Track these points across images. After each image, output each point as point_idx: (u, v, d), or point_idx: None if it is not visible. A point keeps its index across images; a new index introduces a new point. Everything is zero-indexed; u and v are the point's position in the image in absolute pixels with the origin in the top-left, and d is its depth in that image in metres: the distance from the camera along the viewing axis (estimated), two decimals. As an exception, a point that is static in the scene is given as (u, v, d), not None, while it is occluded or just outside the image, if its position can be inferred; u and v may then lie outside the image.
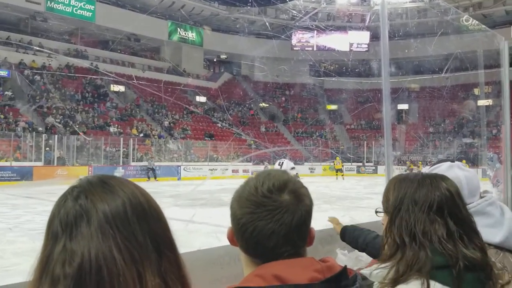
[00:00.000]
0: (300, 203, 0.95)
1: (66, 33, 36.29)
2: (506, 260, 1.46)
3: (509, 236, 1.49)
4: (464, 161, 30.03)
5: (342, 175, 30.41)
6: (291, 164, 20.60)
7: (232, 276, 1.75)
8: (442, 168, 1.68)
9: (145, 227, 0.74)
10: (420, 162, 31.80)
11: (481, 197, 1.60)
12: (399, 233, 1.17)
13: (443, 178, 1.25)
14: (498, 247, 1.48)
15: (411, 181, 1.24)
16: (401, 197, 1.22)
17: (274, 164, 32.39)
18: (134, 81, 31.37)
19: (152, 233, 0.75)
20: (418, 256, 1.11)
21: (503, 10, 38.43)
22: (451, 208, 1.16)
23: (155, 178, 25.96)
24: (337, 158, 31.69)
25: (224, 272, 1.81)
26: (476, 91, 38.60)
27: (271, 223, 0.91)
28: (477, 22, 33.62)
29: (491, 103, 34.34)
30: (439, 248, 1.10)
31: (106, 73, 30.95)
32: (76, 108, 30.86)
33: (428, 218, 1.15)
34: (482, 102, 36.48)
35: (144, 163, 27.65)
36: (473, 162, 31.14)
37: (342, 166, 31.65)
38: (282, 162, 21.02)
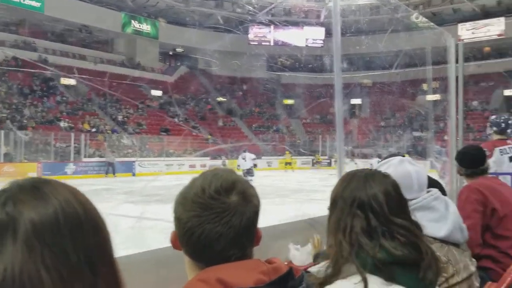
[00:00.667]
0: (248, 204, 0.92)
1: (13, 24, 34.68)
2: (451, 254, 1.51)
3: (453, 230, 1.54)
4: (406, 154, 31.25)
5: (292, 168, 31.81)
6: (253, 155, 20.51)
7: (180, 277, 1.71)
8: (392, 163, 1.71)
9: (79, 242, 0.65)
10: (317, 155, 33.83)
11: (427, 192, 1.64)
12: (334, 230, 1.19)
13: (373, 174, 1.26)
14: (443, 241, 1.52)
15: (344, 179, 1.27)
16: (336, 195, 1.24)
17: (231, 158, 32.52)
18: (76, 75, 30.40)
19: (87, 248, 0.65)
20: (344, 252, 1.12)
21: (450, 9, 39.93)
22: (373, 205, 1.16)
23: (114, 174, 25.33)
24: (287, 152, 33.15)
25: (172, 272, 1.76)
26: (425, 86, 40.03)
27: (219, 226, 0.88)
28: (426, 19, 34.74)
29: (438, 98, 35.72)
30: (357, 243, 1.11)
31: (46, 67, 29.80)
32: (24, 102, 29.60)
33: (349, 214, 1.16)
34: (430, 97, 37.87)
35: (99, 158, 26.94)
36: (422, 155, 32.28)
37: (292, 159, 33.18)
38: (245, 155, 20.94)
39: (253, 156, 19.67)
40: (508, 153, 4.80)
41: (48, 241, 0.62)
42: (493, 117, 5.44)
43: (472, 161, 2.86)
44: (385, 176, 1.27)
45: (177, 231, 0.95)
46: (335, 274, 1.11)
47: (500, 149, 4.81)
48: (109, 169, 25.52)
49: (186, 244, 0.93)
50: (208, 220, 0.89)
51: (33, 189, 0.66)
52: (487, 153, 4.79)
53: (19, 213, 0.63)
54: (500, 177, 3.90)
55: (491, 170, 4.70)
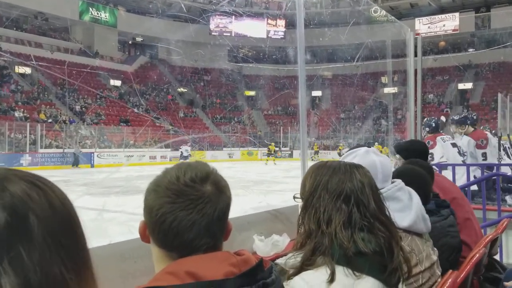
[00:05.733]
0: (221, 194, 0.92)
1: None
2: (414, 243, 1.54)
3: (416, 220, 1.57)
4: (376, 143, 31.81)
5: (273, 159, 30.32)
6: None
7: (146, 270, 1.68)
8: (358, 153, 1.72)
9: (81, 238, 0.61)
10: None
11: (392, 183, 1.67)
12: (309, 220, 1.19)
13: (357, 167, 1.27)
14: (407, 230, 1.56)
15: (327, 169, 1.25)
16: (316, 185, 1.23)
17: (193, 150, 32.33)
18: (33, 62, 29.31)
19: (84, 244, 0.61)
20: (321, 243, 1.12)
21: (408, 3, 40.88)
22: (359, 198, 1.18)
23: (77, 165, 24.69)
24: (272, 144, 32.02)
25: (137, 265, 1.74)
26: (384, 79, 41.02)
27: (193, 213, 0.87)
28: (385, 13, 35.50)
29: (396, 91, 36.67)
30: (333, 235, 1.12)
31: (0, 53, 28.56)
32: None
33: (334, 207, 1.17)
34: (388, 90, 38.84)
35: (56, 149, 26.17)
36: (381, 145, 33.10)
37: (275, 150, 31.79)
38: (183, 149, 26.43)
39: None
40: (448, 140, 5.32)
41: (62, 241, 0.57)
42: (425, 119, 5.91)
43: (421, 156, 2.88)
44: (365, 169, 1.28)
45: (147, 220, 0.92)
46: (310, 265, 1.12)
47: (441, 137, 5.34)
48: (75, 160, 24.88)
49: (157, 233, 0.90)
50: (181, 207, 0.87)
51: (30, 182, 0.58)
52: (430, 143, 5.26)
53: (27, 209, 0.55)
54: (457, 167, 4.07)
55: (443, 159, 5.14)
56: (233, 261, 0.87)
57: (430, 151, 5.40)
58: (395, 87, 36.94)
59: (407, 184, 1.72)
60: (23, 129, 26.24)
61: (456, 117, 6.09)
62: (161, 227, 0.88)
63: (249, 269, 0.87)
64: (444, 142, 5.37)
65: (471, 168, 4.84)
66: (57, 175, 18.95)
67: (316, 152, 33.46)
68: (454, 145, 5.40)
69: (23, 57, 31.95)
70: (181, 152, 26.24)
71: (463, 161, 5.34)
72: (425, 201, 1.93)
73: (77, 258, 0.58)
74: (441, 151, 5.26)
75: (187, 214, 0.87)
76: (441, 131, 5.83)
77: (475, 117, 6.53)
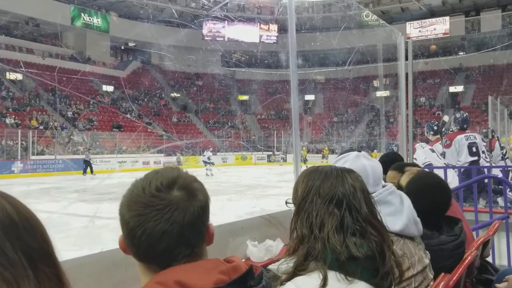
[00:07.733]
0: (192, 198, 0.90)
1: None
2: (406, 247, 1.54)
3: (408, 223, 1.57)
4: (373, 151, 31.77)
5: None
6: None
7: (138, 278, 1.67)
8: (349, 158, 1.72)
9: (15, 243, 0.64)
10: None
11: (383, 187, 1.67)
12: (302, 225, 1.18)
13: (349, 172, 1.27)
14: (399, 234, 1.56)
15: (319, 174, 1.25)
16: (308, 190, 1.23)
17: (186, 155, 32.20)
18: (23, 69, 29.17)
19: (25, 248, 0.65)
20: (313, 248, 1.12)
21: (399, 8, 41.17)
22: (351, 202, 1.17)
23: (92, 171, 24.43)
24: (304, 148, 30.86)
25: (129, 273, 1.72)
26: (375, 83, 41.27)
27: (161, 223, 0.85)
28: (376, 17, 35.73)
29: (388, 94, 36.88)
30: (325, 240, 1.12)
31: None
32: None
33: (327, 211, 1.16)
34: (380, 93, 39.06)
35: (48, 156, 25.99)
36: (373, 149, 33.24)
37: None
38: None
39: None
40: (426, 146, 5.57)
41: None
42: (457, 115, 6.05)
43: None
44: (356, 173, 1.28)
45: (123, 234, 0.90)
46: (302, 270, 1.11)
47: (420, 144, 5.80)
48: (87, 167, 24.62)
49: (131, 246, 0.89)
50: (149, 218, 0.86)
51: None
52: (447, 142, 5.39)
53: None
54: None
55: (426, 159, 5.31)
56: (223, 269, 0.86)
57: (445, 150, 5.64)
58: (387, 91, 37.18)
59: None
60: (14, 136, 26.04)
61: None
62: (133, 240, 0.87)
63: (239, 276, 0.86)
64: (423, 148, 5.69)
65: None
66: (48, 182, 18.82)
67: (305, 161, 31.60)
68: (432, 150, 5.69)
69: (13, 63, 31.81)
70: (208, 158, 24.82)
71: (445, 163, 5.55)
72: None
73: (6, 263, 0.62)
74: (423, 155, 5.56)
75: (155, 225, 0.85)
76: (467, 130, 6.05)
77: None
